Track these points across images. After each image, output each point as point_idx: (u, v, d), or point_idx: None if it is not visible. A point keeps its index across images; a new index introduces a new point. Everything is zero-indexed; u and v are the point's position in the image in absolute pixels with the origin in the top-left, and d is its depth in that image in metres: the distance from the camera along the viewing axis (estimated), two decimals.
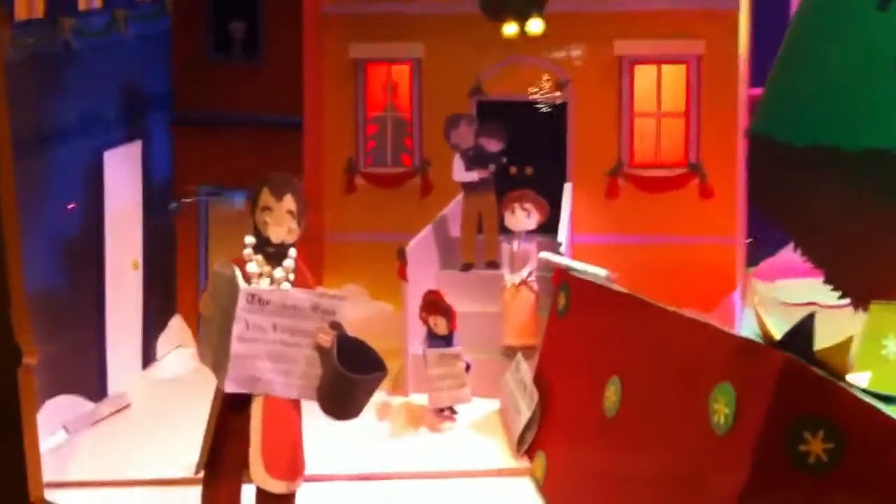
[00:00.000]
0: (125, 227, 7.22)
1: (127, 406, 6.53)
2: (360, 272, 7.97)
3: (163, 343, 7.77)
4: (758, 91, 7.40)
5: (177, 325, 7.94)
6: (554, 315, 5.70)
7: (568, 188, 7.71)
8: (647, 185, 7.88)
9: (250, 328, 4.03)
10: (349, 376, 3.95)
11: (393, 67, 8.22)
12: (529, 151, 7.87)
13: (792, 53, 5.91)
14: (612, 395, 4.10)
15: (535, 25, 6.94)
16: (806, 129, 5.35)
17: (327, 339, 4.10)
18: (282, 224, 4.23)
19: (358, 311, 6.69)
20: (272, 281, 4.26)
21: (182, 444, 4.82)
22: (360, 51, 8.16)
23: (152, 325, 7.64)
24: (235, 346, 4.02)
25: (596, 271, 5.42)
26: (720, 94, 7.70)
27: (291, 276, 4.30)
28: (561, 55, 7.85)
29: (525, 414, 5.49)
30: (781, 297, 8.01)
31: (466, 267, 7.19)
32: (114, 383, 6.81)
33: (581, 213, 7.69)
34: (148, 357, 7.57)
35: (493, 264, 7.25)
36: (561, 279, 5.69)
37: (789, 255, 8.46)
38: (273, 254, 4.27)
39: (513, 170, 7.95)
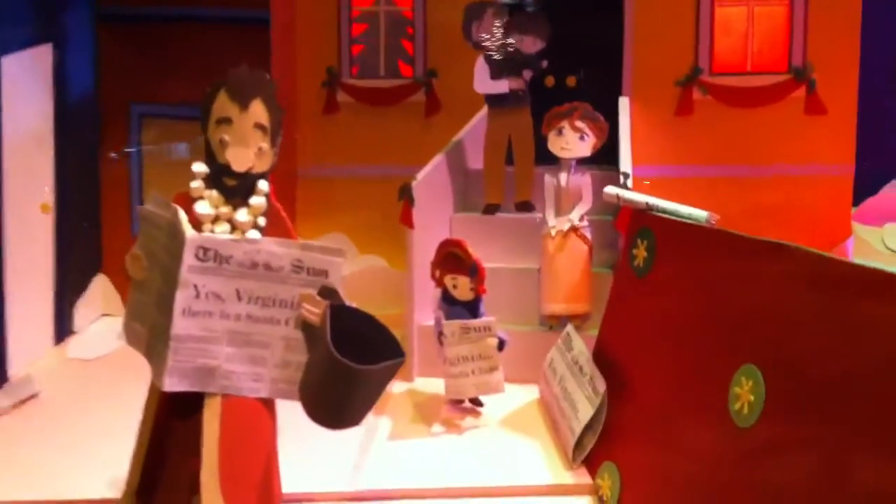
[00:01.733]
0: (30, 158, 6.65)
1: (33, 396, 6.00)
2: (344, 218, 7.68)
3: (82, 311, 7.32)
4: None
5: (100, 287, 7.52)
6: (626, 272, 5.02)
7: (624, 104, 7.14)
8: (733, 97, 7.33)
9: (202, 297, 3.41)
10: (349, 366, 3.33)
11: None
12: (571, 54, 7.36)
13: None
14: (746, 391, 3.43)
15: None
16: None
17: (316, 311, 3.49)
18: (247, 143, 3.59)
19: (344, 269, 6.34)
20: (233, 228, 3.62)
21: (107, 450, 4.62)
22: None
23: (68, 288, 7.15)
24: (180, 324, 3.40)
25: (691, 212, 4.74)
26: None
27: (262, 221, 3.68)
28: None
29: (584, 409, 4.85)
30: (890, 243, 7.67)
31: (491, 209, 6.74)
32: (15, 364, 6.32)
33: (641, 137, 7.15)
34: (62, 329, 7.10)
35: (527, 206, 6.71)
36: (638, 223, 5.00)
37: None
38: (235, 188, 3.63)
39: (549, 80, 7.44)
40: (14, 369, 6.23)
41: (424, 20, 7.82)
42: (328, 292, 3.53)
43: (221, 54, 6.98)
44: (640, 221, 4.99)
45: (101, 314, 7.43)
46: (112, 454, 4.35)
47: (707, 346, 3.96)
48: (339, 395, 3.40)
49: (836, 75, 7.16)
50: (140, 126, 7.53)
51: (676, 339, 4.34)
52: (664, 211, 4.89)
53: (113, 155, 7.40)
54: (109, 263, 7.52)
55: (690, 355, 4.10)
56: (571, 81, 7.50)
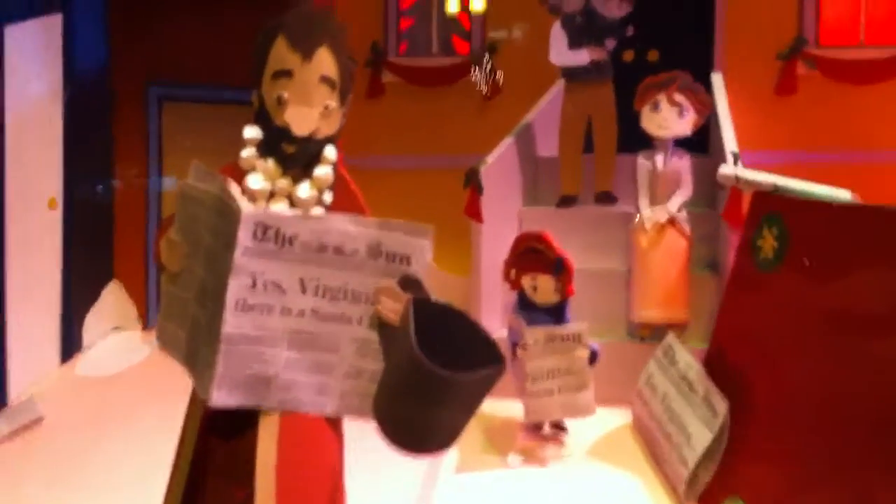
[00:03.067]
0: (36, 144, 6.34)
1: (36, 421, 5.74)
2: (391, 212, 7.20)
3: (93, 324, 7.07)
4: None
5: (113, 297, 7.28)
6: (748, 268, 4.58)
7: (718, 80, 6.79)
8: (844, 73, 6.98)
9: (259, 287, 2.97)
10: (439, 374, 2.89)
11: None
12: (654, 24, 7.06)
13: None
14: None
15: None
16: None
17: (397, 307, 3.04)
18: (311, 101, 3.16)
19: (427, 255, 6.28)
20: (293, 203, 3.20)
21: (120, 483, 4.36)
22: None
23: (77, 298, 6.88)
24: (233, 321, 2.96)
25: (831, 193, 4.32)
26: None
27: (328, 197, 3.26)
28: None
29: (700, 435, 4.41)
30: None
31: (568, 201, 6.47)
32: (16, 385, 6.07)
33: (737, 118, 6.73)
34: (70, 346, 6.84)
35: (609, 197, 6.34)
36: (763, 209, 4.57)
37: None
38: (295, 156, 3.21)
39: (627, 55, 7.08)
40: (15, 391, 5.97)
41: None
42: (411, 283, 3.08)
43: (251, 29, 6.72)
44: (766, 206, 4.54)
45: (114, 327, 7.20)
46: (127, 488, 4.14)
47: (862, 352, 3.53)
48: (424, 411, 2.98)
49: None
50: (159, 111, 7.24)
51: (818, 346, 3.89)
52: (796, 192, 4.45)
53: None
54: (122, 268, 7.28)
55: (840, 364, 3.67)
56: (653, 56, 7.11)
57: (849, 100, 6.96)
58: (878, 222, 3.81)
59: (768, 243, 4.45)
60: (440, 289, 7.04)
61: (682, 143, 5.89)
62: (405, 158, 7.51)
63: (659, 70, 6.58)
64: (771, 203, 4.51)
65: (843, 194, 4.32)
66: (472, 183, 5.64)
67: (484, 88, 7.43)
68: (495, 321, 5.73)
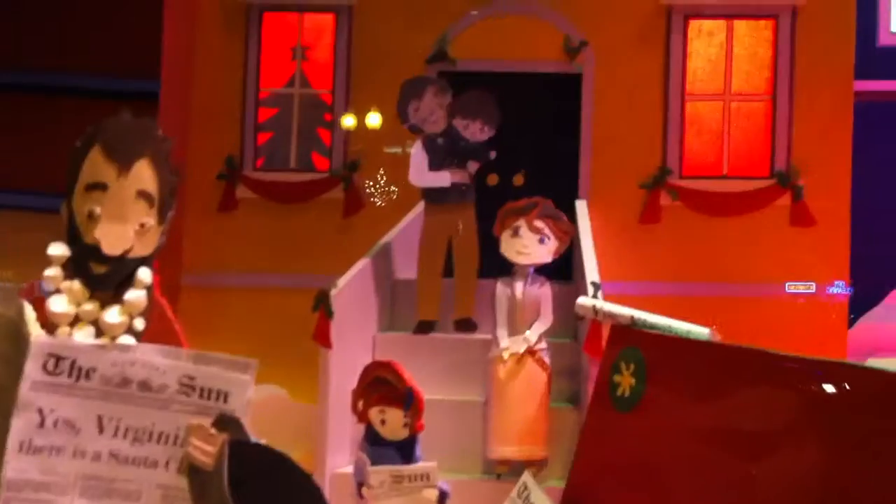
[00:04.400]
0: None
1: None
2: (237, 337, 6.83)
3: None
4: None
5: None
6: (605, 406, 4.45)
7: (582, 207, 6.82)
8: (707, 204, 7.11)
9: (48, 425, 2.72)
10: None
11: (306, 18, 7.63)
12: (521, 149, 7.09)
13: None
14: None
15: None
16: None
17: (210, 449, 2.79)
18: (126, 218, 2.92)
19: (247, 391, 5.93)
20: (99, 331, 2.92)
21: None
22: None
23: None
24: (15, 464, 2.69)
25: (691, 329, 4.25)
26: (827, 67, 7.00)
27: (140, 323, 2.99)
28: (575, 3, 7.21)
29: None
30: None
31: (426, 327, 6.31)
32: None
33: (602, 246, 6.75)
34: None
35: (469, 324, 6.23)
36: (622, 343, 4.47)
37: (881, 319, 7.91)
38: (104, 278, 2.94)
39: (492, 178, 7.07)
40: None
41: (347, 105, 7.50)
42: (228, 423, 2.86)
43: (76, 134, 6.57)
44: (624, 340, 4.43)
45: None
46: None
47: (723, 489, 3.43)
48: None
49: (827, 182, 6.95)
50: None
51: (678, 485, 3.78)
52: (655, 326, 4.37)
53: None
54: None
55: (705, 498, 3.55)
56: (519, 180, 7.12)
57: (711, 231, 7.10)
58: (736, 360, 3.75)
59: (626, 380, 4.33)
60: (291, 418, 6.78)
61: (546, 270, 5.83)
62: (259, 277, 7.29)
63: (524, 194, 6.57)
64: (629, 337, 4.42)
65: (701, 331, 4.25)
66: (322, 307, 5.44)
67: (345, 206, 7.30)
68: (343, 456, 5.49)
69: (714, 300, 6.84)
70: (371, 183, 7.26)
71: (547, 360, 5.55)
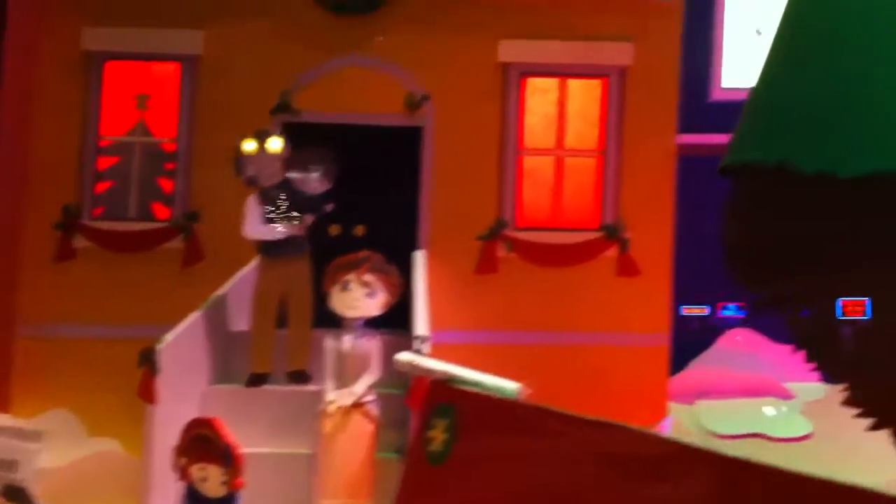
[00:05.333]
0: None
1: None
2: (72, 390, 6.93)
3: None
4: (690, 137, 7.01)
5: None
6: (419, 459, 4.46)
7: (419, 259, 6.84)
8: (540, 255, 7.19)
9: None
10: None
11: (152, 67, 7.50)
12: (362, 200, 7.09)
13: (809, 40, 5.23)
14: None
15: (275, 143, 6.17)
16: (866, 152, 4.61)
17: None
18: None
19: (66, 456, 6.12)
20: None
21: None
22: (98, 39, 7.32)
23: None
24: None
25: (502, 384, 4.30)
26: (652, 125, 7.19)
27: None
28: (417, 58, 7.18)
29: None
30: (710, 426, 7.62)
31: (257, 380, 6.20)
32: None
33: (439, 296, 6.78)
34: None
35: (302, 376, 6.17)
36: (436, 399, 4.50)
37: (713, 362, 8.18)
38: None
39: (334, 228, 7.07)
40: None
41: (189, 155, 7.34)
42: (15, 493, 2.82)
43: None
44: (439, 396, 4.48)
45: None
46: None
47: None
48: None
49: (651, 235, 7.12)
50: None
51: None
52: (467, 383, 4.42)
53: None
54: None
55: None
56: (360, 231, 7.12)
57: (545, 281, 7.17)
58: (538, 420, 3.81)
59: (438, 435, 4.35)
60: (125, 473, 6.54)
61: (384, 320, 5.82)
62: (97, 328, 7.06)
63: (365, 245, 6.57)
64: (443, 394, 4.46)
65: (510, 387, 4.31)
66: (146, 363, 5.33)
67: (184, 256, 7.16)
68: None
69: (547, 349, 6.91)
70: (212, 233, 7.14)
71: (375, 412, 5.54)
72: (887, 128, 4.73)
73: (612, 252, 7.16)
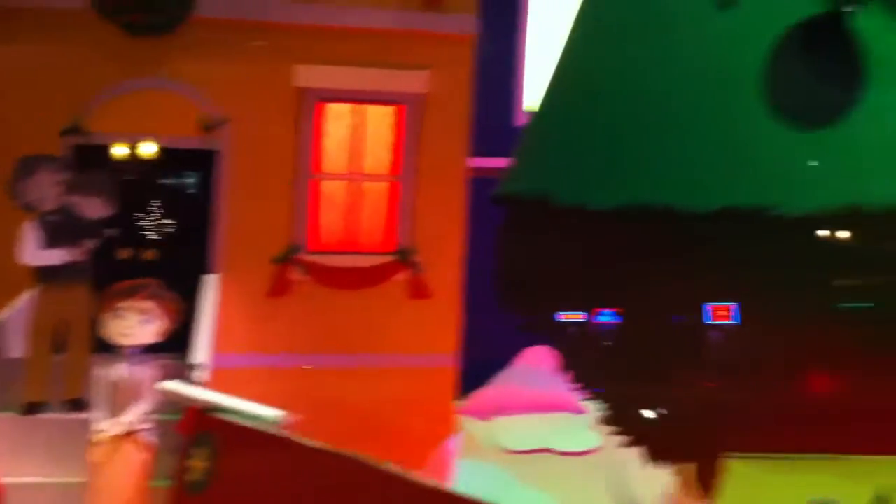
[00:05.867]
0: None
1: None
2: None
3: None
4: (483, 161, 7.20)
5: None
6: (179, 491, 4.45)
7: (212, 282, 6.78)
8: (334, 278, 7.23)
9: None
10: None
11: None
12: (153, 223, 7.08)
13: (577, 85, 5.45)
14: None
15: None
16: (615, 187, 4.84)
17: None
18: None
19: None
20: None
21: None
22: None
23: None
24: None
25: (263, 413, 4.33)
26: (446, 151, 7.34)
27: None
28: (214, 81, 7.13)
29: None
30: (502, 442, 7.81)
31: (32, 408, 6.02)
32: None
33: (232, 319, 6.81)
34: None
35: (79, 404, 6.02)
36: (198, 427, 4.49)
37: (511, 381, 8.39)
38: None
39: (124, 252, 6.93)
40: None
41: None
42: None
43: None
44: (199, 425, 4.46)
45: None
46: None
47: None
48: None
49: (444, 257, 7.24)
50: None
51: None
52: (228, 412, 4.41)
53: None
54: None
55: None
56: (150, 255, 7.01)
57: (339, 305, 7.23)
58: (293, 454, 3.87)
59: (197, 464, 4.36)
60: None
61: (173, 345, 5.72)
62: None
63: (158, 268, 6.48)
64: (203, 422, 4.45)
65: (272, 415, 4.34)
66: None
67: None
68: None
69: (340, 371, 6.98)
70: None
71: (150, 440, 5.43)
72: (630, 166, 5.02)
73: (404, 275, 7.25)
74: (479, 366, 8.08)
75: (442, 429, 7.02)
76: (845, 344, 4.36)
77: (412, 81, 7.16)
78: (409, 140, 7.27)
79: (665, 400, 5.37)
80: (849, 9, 4.30)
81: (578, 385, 5.81)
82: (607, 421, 5.82)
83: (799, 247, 4.25)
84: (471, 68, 7.26)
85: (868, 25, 4.23)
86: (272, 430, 4.23)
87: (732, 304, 4.60)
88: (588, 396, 5.82)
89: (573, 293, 5.31)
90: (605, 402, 5.79)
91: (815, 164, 4.23)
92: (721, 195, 4.43)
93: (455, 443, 7.14)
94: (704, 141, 4.57)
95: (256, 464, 4.14)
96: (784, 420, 4.67)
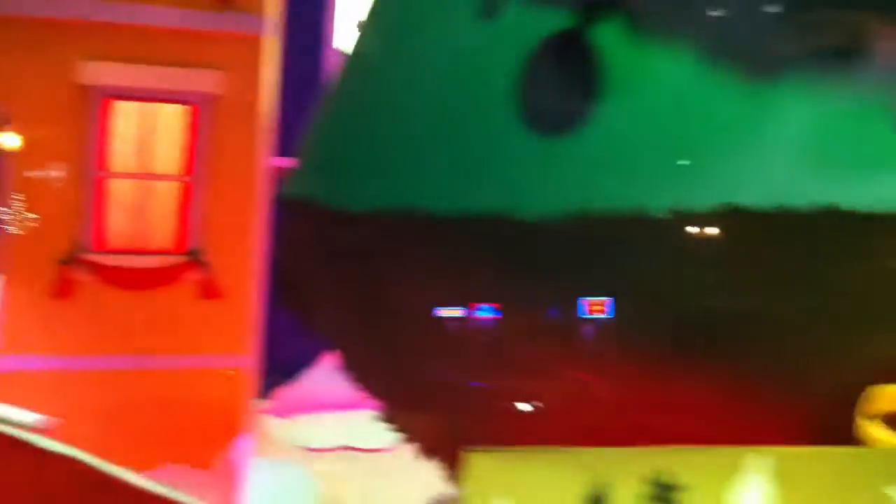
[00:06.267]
0: None
1: None
2: None
3: None
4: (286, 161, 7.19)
5: None
6: None
7: None
8: (121, 279, 7.08)
9: None
10: None
11: None
12: None
13: (351, 89, 5.53)
14: None
15: None
16: (373, 191, 4.91)
17: None
18: None
19: None
20: None
21: None
22: None
23: None
24: None
25: (17, 416, 4.28)
26: (239, 152, 7.27)
27: None
28: None
29: None
30: (303, 440, 7.87)
31: None
32: None
33: (17, 321, 6.66)
34: None
35: None
36: None
37: (313, 380, 8.44)
38: None
39: None
40: None
41: None
42: None
43: None
44: None
45: None
46: None
47: None
48: None
49: (235, 258, 7.18)
50: None
51: None
52: None
53: None
54: None
55: None
56: None
57: (127, 306, 7.07)
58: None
59: None
60: None
61: None
62: None
63: None
64: None
65: (30, 417, 4.29)
66: None
67: None
68: None
69: (128, 373, 6.83)
70: None
71: None
72: (386, 170, 5.12)
73: (196, 275, 7.16)
74: (282, 365, 8.09)
75: (233, 429, 6.99)
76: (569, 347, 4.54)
77: (204, 81, 7.09)
78: (200, 140, 7.18)
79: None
80: (589, 24, 4.50)
81: (357, 383, 5.87)
82: (386, 419, 5.90)
83: (540, 251, 4.41)
84: (266, 68, 7.24)
85: (607, 40, 4.44)
86: (16, 434, 4.18)
87: (607, 300, 4.71)
88: (367, 394, 5.88)
89: (347, 295, 5.39)
90: (383, 399, 5.86)
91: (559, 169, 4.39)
92: (464, 199, 4.56)
93: (247, 442, 7.14)
94: (453, 147, 4.70)
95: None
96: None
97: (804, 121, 4.06)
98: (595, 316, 4.61)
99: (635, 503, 3.78)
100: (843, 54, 4.17)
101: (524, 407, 4.90)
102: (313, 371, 8.48)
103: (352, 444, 7.95)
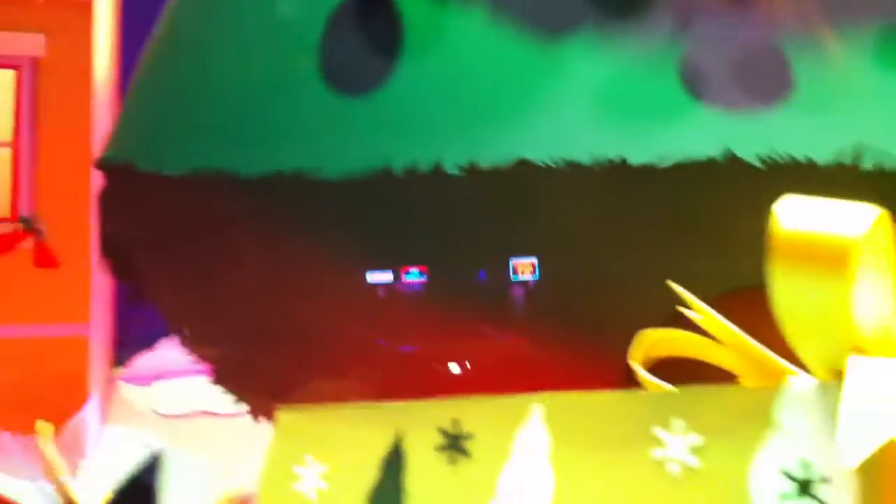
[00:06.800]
0: None
1: None
2: None
3: None
4: None
5: None
6: None
7: None
8: None
9: None
10: None
11: None
12: None
13: (164, 50, 5.41)
14: None
15: None
16: (183, 152, 4.83)
17: None
18: None
19: None
20: None
21: None
22: None
23: None
24: None
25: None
26: (69, 116, 7.09)
27: None
28: None
29: None
30: (161, 407, 7.78)
31: None
32: None
33: None
34: None
35: None
36: None
37: (172, 346, 8.34)
38: None
39: None
40: None
41: None
42: None
43: None
44: None
45: None
46: None
47: None
48: None
49: (71, 224, 7.01)
50: None
51: None
52: None
53: None
54: None
55: None
56: None
57: None
58: None
59: None
60: None
61: None
62: None
63: None
64: None
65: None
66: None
67: None
68: None
69: None
70: None
71: None
72: (197, 132, 5.04)
73: (29, 243, 7.03)
74: (140, 333, 7.96)
75: (76, 398, 6.89)
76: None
77: (27, 44, 6.91)
78: (26, 105, 7.01)
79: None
80: None
81: (189, 346, 5.79)
82: (217, 380, 5.84)
83: (342, 210, 4.41)
84: (92, 33, 7.04)
85: None
86: None
87: (533, 260, 4.69)
88: (197, 357, 5.81)
89: (164, 260, 5.30)
90: (214, 362, 5.80)
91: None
92: (268, 160, 4.54)
93: (94, 411, 7.04)
94: (257, 107, 4.66)
95: None
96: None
97: (592, 76, 4.14)
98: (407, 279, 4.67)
99: (430, 453, 3.83)
100: (630, 8, 4.24)
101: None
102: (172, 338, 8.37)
103: (211, 409, 7.90)
